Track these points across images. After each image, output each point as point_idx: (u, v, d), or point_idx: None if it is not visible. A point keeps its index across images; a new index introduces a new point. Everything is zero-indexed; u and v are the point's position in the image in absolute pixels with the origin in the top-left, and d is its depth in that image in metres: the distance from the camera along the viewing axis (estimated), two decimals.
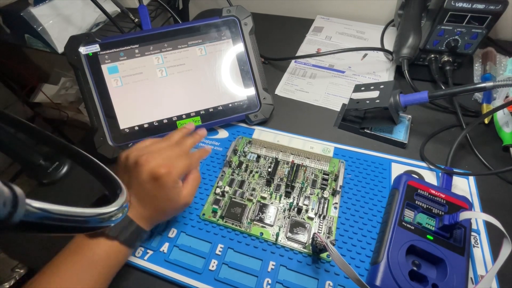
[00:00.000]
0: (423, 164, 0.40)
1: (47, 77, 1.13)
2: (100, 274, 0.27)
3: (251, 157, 0.41)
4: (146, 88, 0.43)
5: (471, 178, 0.38)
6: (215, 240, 0.34)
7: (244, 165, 0.40)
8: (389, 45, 0.58)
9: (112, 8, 0.53)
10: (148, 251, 0.33)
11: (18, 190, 0.12)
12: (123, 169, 0.31)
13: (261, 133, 0.41)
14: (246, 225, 0.34)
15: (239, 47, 0.45)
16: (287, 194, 0.37)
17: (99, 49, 0.41)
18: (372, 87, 0.44)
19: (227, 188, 0.37)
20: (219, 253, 0.33)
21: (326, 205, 0.36)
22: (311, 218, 0.35)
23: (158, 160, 0.29)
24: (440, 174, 0.38)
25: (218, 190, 0.37)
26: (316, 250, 0.31)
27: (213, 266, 0.32)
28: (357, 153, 0.42)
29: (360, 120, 0.44)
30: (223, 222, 0.35)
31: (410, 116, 0.45)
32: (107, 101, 0.41)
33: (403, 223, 0.31)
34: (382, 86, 0.42)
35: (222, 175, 0.39)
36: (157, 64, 0.43)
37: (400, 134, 0.43)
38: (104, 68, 0.41)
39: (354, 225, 0.34)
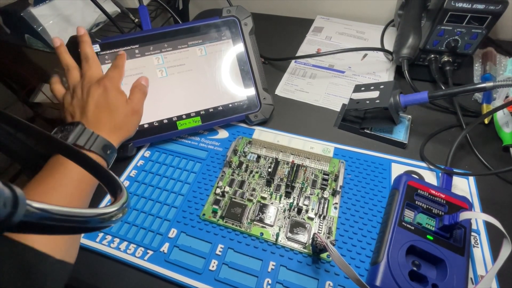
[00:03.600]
0: (423, 164, 0.40)
1: (47, 77, 1.13)
2: (73, 193, 0.29)
3: (251, 157, 0.41)
4: None
5: (471, 178, 0.38)
6: (215, 240, 0.34)
7: (244, 165, 0.40)
8: (389, 45, 0.58)
9: (112, 8, 0.53)
10: (148, 251, 0.33)
11: (18, 190, 0.12)
12: (70, 104, 0.35)
13: (261, 133, 0.41)
14: (246, 225, 0.34)
15: (239, 47, 0.45)
16: (287, 194, 0.37)
17: (99, 49, 0.41)
18: (372, 87, 0.44)
19: (227, 188, 0.37)
20: (219, 253, 0.33)
21: (326, 205, 0.36)
22: (311, 218, 0.35)
23: (100, 78, 0.36)
24: (440, 174, 0.38)
25: (218, 190, 0.37)
26: (316, 250, 0.31)
27: (213, 266, 0.32)
28: (357, 153, 0.42)
29: (360, 120, 0.44)
30: (223, 222, 0.35)
31: (410, 116, 0.45)
32: None
33: (403, 223, 0.31)
34: (382, 86, 0.42)
35: (222, 175, 0.39)
36: (157, 64, 0.43)
37: (400, 134, 0.43)
38: (104, 68, 0.41)
39: (354, 225, 0.34)
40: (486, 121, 0.44)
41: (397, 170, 0.39)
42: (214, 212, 0.36)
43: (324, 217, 0.35)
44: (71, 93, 0.36)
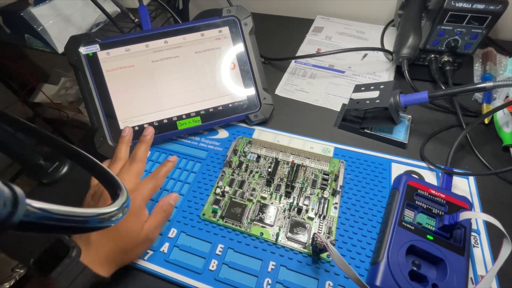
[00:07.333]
0: (423, 164, 0.40)
1: (47, 77, 1.13)
2: None
3: (251, 157, 0.41)
4: (146, 88, 0.43)
5: (471, 178, 0.38)
6: (215, 240, 0.34)
7: (244, 165, 0.40)
8: (389, 45, 0.58)
9: (112, 8, 0.53)
10: (148, 251, 0.33)
11: (18, 190, 0.12)
12: (91, 198, 0.31)
13: (261, 133, 0.41)
14: (246, 225, 0.34)
15: (239, 47, 0.45)
16: (287, 194, 0.37)
17: (99, 49, 0.41)
18: (372, 87, 0.44)
19: (227, 188, 0.37)
20: (219, 253, 0.33)
21: (326, 205, 0.36)
22: (311, 218, 0.35)
23: (129, 189, 0.29)
24: (440, 174, 0.38)
25: (218, 190, 0.37)
26: (316, 250, 0.31)
27: (213, 266, 0.32)
28: (357, 153, 0.42)
29: (360, 120, 0.44)
30: (223, 222, 0.35)
31: (410, 116, 0.45)
32: (107, 101, 0.41)
33: (403, 223, 0.31)
34: (382, 86, 0.42)
35: (222, 175, 0.39)
36: (157, 64, 0.43)
37: (400, 134, 0.43)
38: (103, 66, 0.41)
39: (354, 225, 0.34)
40: (486, 121, 0.44)
41: (397, 170, 0.39)
42: (214, 212, 0.36)
43: (324, 217, 0.35)
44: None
